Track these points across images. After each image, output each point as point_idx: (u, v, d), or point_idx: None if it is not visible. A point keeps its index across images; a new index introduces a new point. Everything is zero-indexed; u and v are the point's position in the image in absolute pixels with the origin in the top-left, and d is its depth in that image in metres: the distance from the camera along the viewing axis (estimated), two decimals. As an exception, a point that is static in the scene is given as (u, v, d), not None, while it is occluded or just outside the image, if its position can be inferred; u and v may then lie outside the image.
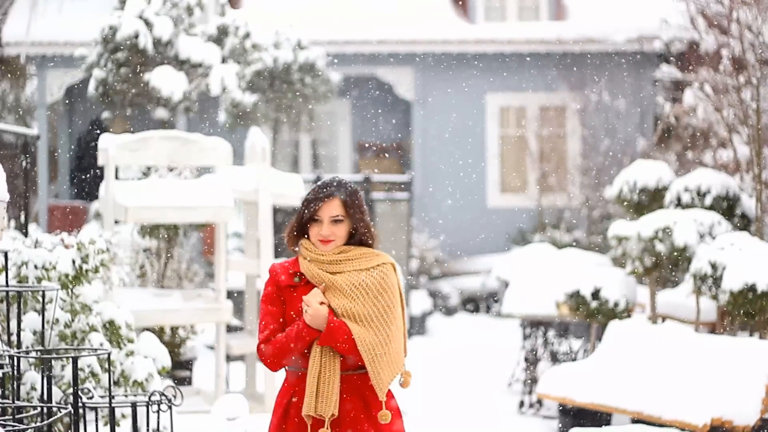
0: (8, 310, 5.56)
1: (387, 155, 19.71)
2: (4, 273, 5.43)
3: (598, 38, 18.04)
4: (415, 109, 18.59)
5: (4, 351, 5.05)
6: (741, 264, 7.82)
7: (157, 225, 9.41)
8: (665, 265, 9.32)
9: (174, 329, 9.73)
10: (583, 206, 17.22)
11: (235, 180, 8.78)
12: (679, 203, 9.58)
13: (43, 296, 5.30)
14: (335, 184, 4.04)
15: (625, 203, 10.29)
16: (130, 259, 9.29)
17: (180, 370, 9.73)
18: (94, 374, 5.79)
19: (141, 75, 13.14)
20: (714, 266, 8.22)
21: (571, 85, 17.92)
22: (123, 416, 6.02)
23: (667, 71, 15.62)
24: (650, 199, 10.12)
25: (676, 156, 13.95)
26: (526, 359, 10.63)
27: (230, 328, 10.92)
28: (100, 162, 8.04)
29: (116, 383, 6.01)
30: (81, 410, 4.93)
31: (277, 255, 12.23)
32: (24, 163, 8.87)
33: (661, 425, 7.44)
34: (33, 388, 5.54)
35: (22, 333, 5.62)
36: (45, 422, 4.18)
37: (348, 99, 19.36)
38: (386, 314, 3.95)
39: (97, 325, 5.98)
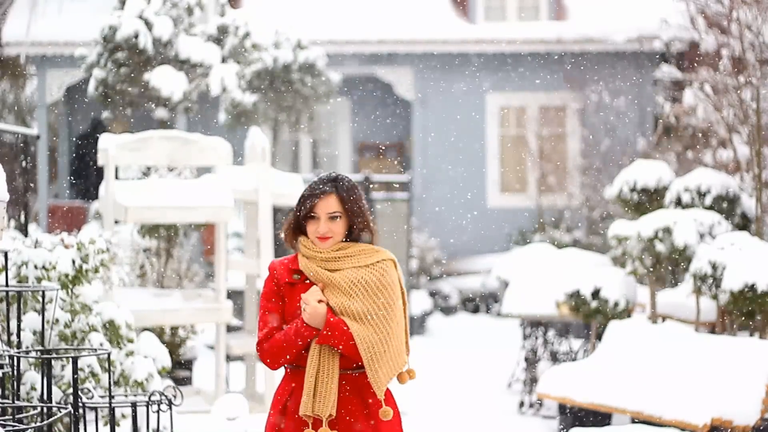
0: (8, 310, 5.56)
1: (387, 155, 19.71)
2: (4, 273, 5.43)
3: (598, 38, 18.04)
4: (415, 109, 18.59)
5: (4, 351, 5.05)
6: (741, 264, 7.82)
7: (157, 225, 9.41)
8: (665, 265, 9.31)
9: (174, 329, 9.73)
10: (583, 206, 17.23)
11: (235, 180, 8.78)
12: (679, 203, 9.57)
13: (43, 296, 5.30)
14: (332, 179, 3.97)
15: (625, 203, 10.28)
16: (130, 259, 9.29)
17: (180, 370, 9.73)
18: (94, 374, 5.79)
19: (141, 75, 13.14)
20: (714, 266, 8.22)
21: (571, 85, 17.92)
22: (123, 416, 6.02)
23: (667, 71, 15.61)
24: (650, 199, 10.12)
25: (676, 156, 13.95)
26: (526, 359, 10.63)
27: (230, 328, 10.92)
28: (100, 162, 8.04)
29: (116, 383, 6.01)
30: (81, 410, 4.93)
31: (277, 255, 12.21)
32: (24, 163, 8.87)
33: (661, 425, 7.44)
34: (33, 388, 5.54)
35: (22, 333, 5.62)
36: (45, 422, 4.18)
37: (348, 99, 19.36)
38: (386, 312, 3.88)
39: (97, 325, 5.98)
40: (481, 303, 16.96)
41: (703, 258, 8.31)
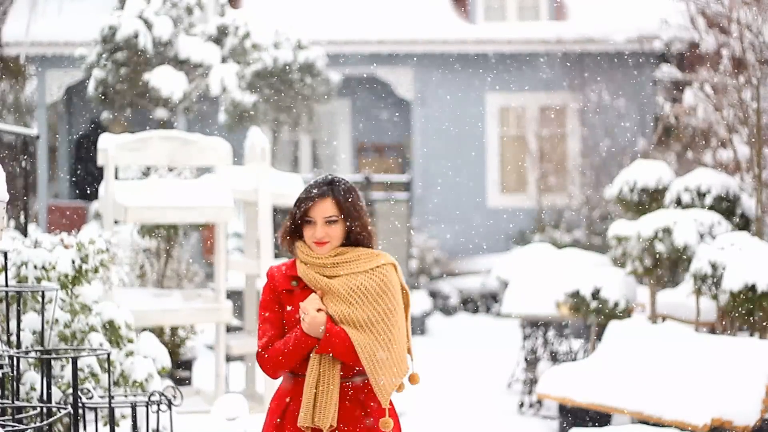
0: (8, 310, 5.56)
1: (387, 155, 19.71)
2: (3, 273, 5.43)
3: (598, 38, 18.05)
4: (415, 109, 18.59)
5: (3, 351, 5.05)
6: (741, 264, 7.82)
7: (157, 225, 9.41)
8: (665, 265, 9.31)
9: (174, 329, 9.73)
10: (583, 206, 17.23)
11: (235, 180, 8.77)
12: (679, 203, 9.57)
13: (43, 296, 5.30)
14: (328, 182, 3.85)
15: (625, 203, 10.28)
16: (129, 259, 9.29)
17: (180, 370, 9.73)
18: (93, 374, 5.78)
19: (141, 75, 13.14)
20: (714, 266, 8.21)
21: (571, 85, 17.92)
22: (123, 416, 6.01)
23: (667, 71, 15.61)
24: (650, 199, 10.12)
25: (676, 156, 13.96)
26: (526, 359, 10.63)
27: (230, 328, 10.92)
28: (99, 162, 8.04)
29: (116, 383, 6.01)
30: (81, 410, 4.93)
31: (276, 255, 12.23)
32: (24, 163, 8.86)
33: (661, 425, 7.43)
34: (32, 389, 5.54)
35: (21, 333, 5.62)
36: (45, 422, 4.17)
37: (348, 99, 19.36)
38: (387, 318, 3.78)
39: (97, 325, 5.98)
40: (481, 303, 16.96)
41: (703, 258, 8.31)
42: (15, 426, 4.38)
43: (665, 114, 13.78)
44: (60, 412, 4.72)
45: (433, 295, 16.81)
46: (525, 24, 18.72)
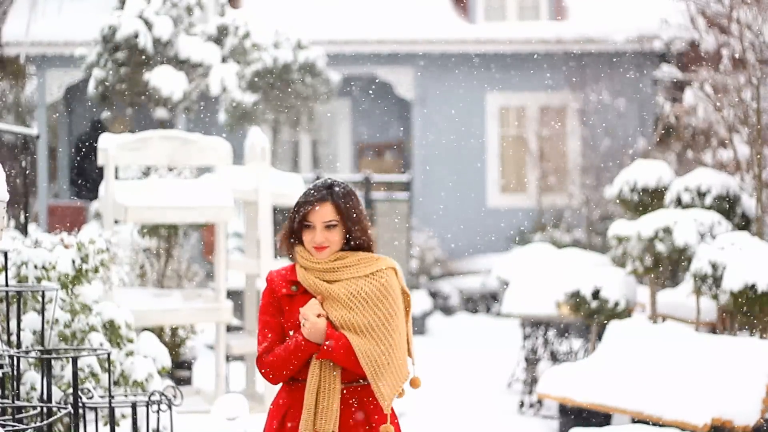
0: (8, 310, 5.56)
1: (387, 155, 19.71)
2: (3, 273, 5.43)
3: (598, 38, 18.04)
4: (415, 109, 18.59)
5: (4, 351, 5.05)
6: (741, 264, 7.81)
7: (157, 225, 9.41)
8: (665, 265, 9.31)
9: (174, 329, 9.73)
10: (583, 206, 17.22)
11: (235, 180, 8.77)
12: (679, 203, 9.57)
13: (43, 296, 5.30)
14: (327, 186, 3.82)
15: (626, 203, 10.28)
16: (129, 258, 9.29)
17: (180, 369, 9.73)
18: (93, 374, 5.79)
19: (141, 75, 13.13)
20: (714, 266, 8.21)
21: (571, 84, 17.92)
22: (123, 416, 6.02)
23: (668, 71, 15.61)
24: (650, 199, 10.12)
25: (676, 156, 13.95)
26: (526, 359, 10.63)
27: (230, 328, 10.92)
28: (99, 162, 8.04)
29: (116, 383, 6.01)
30: (81, 410, 4.92)
31: (276, 255, 12.23)
32: (24, 163, 8.86)
33: (661, 425, 7.43)
34: (33, 388, 5.54)
35: (21, 333, 5.62)
36: (45, 422, 4.17)
37: (348, 99, 19.36)
38: (388, 323, 3.75)
39: (97, 325, 5.98)
40: (481, 303, 16.96)
41: (704, 258, 8.31)
42: (15, 426, 4.38)
43: (665, 114, 13.78)
44: (60, 411, 4.72)
45: (433, 294, 16.81)
46: (525, 24, 18.72)
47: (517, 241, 17.64)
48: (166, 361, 6.30)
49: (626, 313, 9.39)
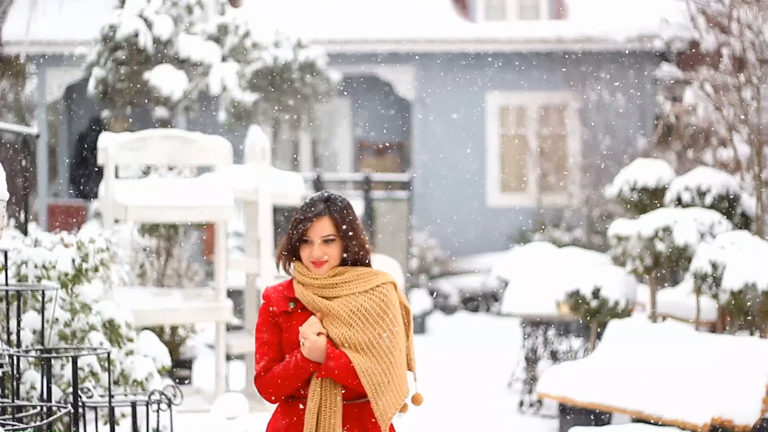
0: (8, 309, 5.56)
1: (387, 154, 19.71)
2: (3, 272, 5.43)
3: (598, 37, 18.04)
4: (415, 108, 18.59)
5: (3, 350, 5.04)
6: (741, 263, 7.81)
7: (157, 224, 9.41)
8: (665, 265, 9.31)
9: (174, 328, 9.73)
10: (583, 205, 17.22)
11: (235, 179, 8.77)
12: (679, 202, 9.57)
13: (43, 295, 5.30)
14: (324, 200, 3.74)
15: (626, 202, 10.28)
16: (129, 258, 9.28)
17: (180, 369, 9.73)
18: (93, 373, 5.79)
19: (141, 74, 13.13)
20: (714, 265, 8.21)
21: (571, 84, 17.92)
22: (123, 415, 6.01)
23: (668, 70, 15.61)
24: (650, 198, 10.12)
25: (676, 155, 13.95)
26: (526, 358, 10.63)
27: (230, 327, 10.92)
28: (99, 161, 8.04)
29: (116, 382, 6.01)
30: (81, 409, 4.92)
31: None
32: (24, 162, 8.86)
33: (661, 425, 7.43)
34: (33, 388, 5.54)
35: (21, 332, 5.62)
36: (45, 421, 4.18)
37: (348, 98, 19.36)
38: (388, 340, 3.68)
39: (97, 324, 5.98)
40: (481, 302, 16.96)
41: (704, 257, 8.31)
42: (15, 425, 4.38)
43: (665, 113, 13.78)
44: (60, 411, 4.72)
45: (433, 294, 16.81)
46: (525, 23, 18.72)
47: (517, 241, 17.64)
48: (166, 361, 6.30)
49: (626, 312, 9.39)
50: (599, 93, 17.50)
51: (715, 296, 8.28)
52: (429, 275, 17.19)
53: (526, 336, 10.72)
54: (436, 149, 18.46)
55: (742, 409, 7.19)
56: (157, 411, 5.15)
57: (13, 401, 4.82)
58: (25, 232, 8.18)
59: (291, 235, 3.75)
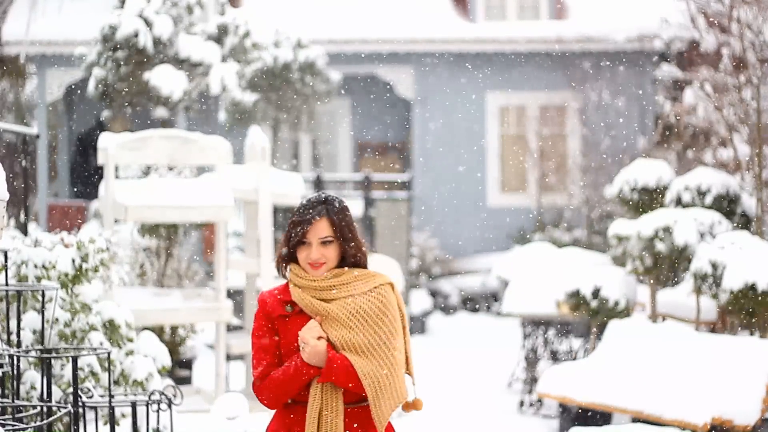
0: (8, 310, 5.56)
1: (387, 154, 19.71)
2: (3, 272, 5.43)
3: (598, 37, 18.04)
4: (415, 108, 18.59)
5: (3, 350, 5.04)
6: (741, 263, 7.81)
7: (157, 224, 9.41)
8: (665, 265, 9.31)
9: (174, 328, 9.73)
10: (583, 205, 17.23)
11: (235, 179, 8.77)
12: (679, 202, 9.57)
13: (43, 295, 5.30)
14: (321, 201, 3.70)
15: (626, 202, 10.28)
16: (129, 258, 9.29)
17: (180, 369, 9.73)
18: (93, 373, 5.78)
19: (141, 74, 13.13)
20: (714, 265, 8.21)
21: (572, 84, 17.92)
22: (123, 415, 6.01)
23: (668, 70, 15.61)
24: (650, 199, 10.12)
25: (676, 155, 13.95)
26: (527, 358, 10.63)
27: (230, 327, 10.92)
28: (99, 161, 8.04)
29: (116, 382, 6.01)
30: (81, 409, 4.92)
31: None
32: (24, 162, 8.86)
33: (661, 425, 7.43)
34: (33, 388, 5.54)
35: (21, 332, 5.62)
36: (45, 421, 4.17)
37: (348, 98, 19.36)
38: (388, 341, 3.65)
39: (97, 324, 5.97)
40: (481, 302, 16.96)
41: (704, 257, 8.31)
42: (15, 425, 4.38)
43: (665, 113, 13.79)
44: (60, 411, 4.72)
45: (434, 294, 16.81)
46: (525, 23, 18.72)
47: (517, 241, 17.64)
48: (166, 361, 6.30)
49: (626, 312, 9.39)
50: (599, 93, 17.51)
51: (715, 296, 8.28)
52: (429, 275, 17.19)
53: (526, 336, 10.72)
54: (436, 149, 18.46)
55: (742, 409, 7.19)
56: (157, 411, 5.15)
57: (13, 401, 4.82)
58: (25, 232, 8.18)
59: (289, 237, 3.71)
